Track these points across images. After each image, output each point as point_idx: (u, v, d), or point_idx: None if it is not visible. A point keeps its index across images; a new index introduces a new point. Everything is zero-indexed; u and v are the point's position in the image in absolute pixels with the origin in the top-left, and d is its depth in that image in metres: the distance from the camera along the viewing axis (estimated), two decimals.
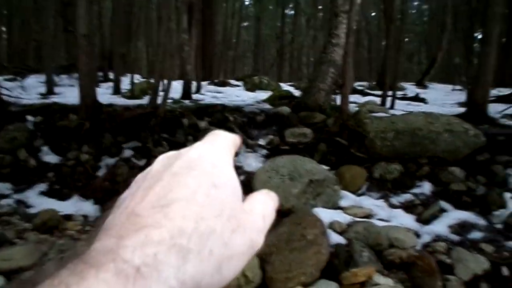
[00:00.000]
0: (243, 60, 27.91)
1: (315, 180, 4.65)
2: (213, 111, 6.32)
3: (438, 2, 19.03)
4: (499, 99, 10.39)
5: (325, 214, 4.34)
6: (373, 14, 22.32)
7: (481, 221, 4.80)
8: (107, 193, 5.29)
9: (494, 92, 12.34)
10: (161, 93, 6.40)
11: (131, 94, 8.17)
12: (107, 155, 5.84)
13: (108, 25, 12.10)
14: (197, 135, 5.87)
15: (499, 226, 4.75)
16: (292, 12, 21.58)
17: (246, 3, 24.87)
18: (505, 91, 11.64)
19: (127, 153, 5.81)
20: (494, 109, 8.68)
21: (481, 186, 5.34)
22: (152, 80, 7.45)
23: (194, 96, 8.04)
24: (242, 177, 5.26)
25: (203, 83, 9.51)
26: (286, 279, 3.65)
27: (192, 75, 8.60)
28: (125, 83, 9.12)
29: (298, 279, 3.62)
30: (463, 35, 12.35)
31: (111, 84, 9.18)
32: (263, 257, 3.83)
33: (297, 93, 7.99)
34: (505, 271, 4.12)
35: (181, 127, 5.97)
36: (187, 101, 7.37)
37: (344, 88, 5.39)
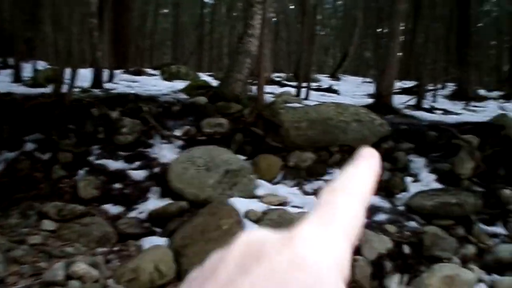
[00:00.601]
0: (162, 49, 27.09)
1: (231, 170, 4.66)
2: (126, 101, 6.03)
3: None
4: (404, 91, 11.24)
5: (241, 204, 4.38)
6: (291, 7, 22.87)
7: (386, 204, 5.16)
8: (6, 190, 4.82)
9: (400, 84, 13.34)
10: (69, 81, 5.96)
11: (34, 82, 7.50)
12: (5, 148, 5.32)
13: (8, 7, 10.98)
14: (108, 126, 5.57)
15: (401, 208, 5.14)
16: (212, 0, 21.36)
17: None
18: (409, 84, 12.63)
19: (29, 146, 5.34)
20: (399, 100, 9.38)
21: (386, 171, 5.73)
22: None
23: (106, 85, 7.61)
24: (156, 169, 5.11)
25: (117, 71, 9.04)
26: None
27: (104, 63, 8.12)
28: (28, 70, 8.36)
29: None
30: (372, 30, 13.14)
31: (11, 71, 8.34)
32: (177, 250, 3.76)
33: (215, 83, 7.92)
34: (406, 249, 4.48)
35: (90, 118, 5.62)
36: (97, 90, 6.95)
37: (260, 79, 5.44)
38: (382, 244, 4.32)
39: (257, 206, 4.45)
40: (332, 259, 0.26)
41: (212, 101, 6.04)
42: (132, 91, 6.92)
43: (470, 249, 4.81)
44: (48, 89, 6.41)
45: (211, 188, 4.47)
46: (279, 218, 4.14)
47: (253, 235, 0.29)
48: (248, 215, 4.24)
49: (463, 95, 11.08)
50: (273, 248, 0.25)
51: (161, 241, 4.05)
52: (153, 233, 4.30)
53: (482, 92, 13.88)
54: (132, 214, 4.63)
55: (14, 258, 3.66)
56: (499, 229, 5.24)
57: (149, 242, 4.07)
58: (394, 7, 6.97)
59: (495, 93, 13.48)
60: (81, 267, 3.41)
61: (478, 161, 5.76)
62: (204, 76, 10.51)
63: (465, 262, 4.74)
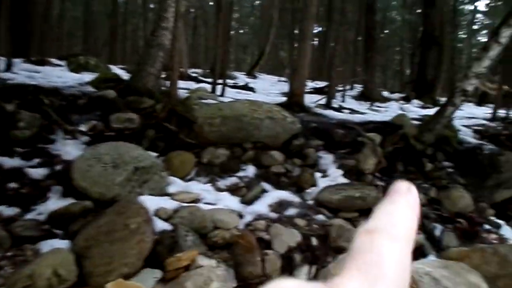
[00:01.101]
0: (73, 39, 25.35)
1: (141, 167, 4.48)
2: (24, 93, 5.51)
3: None
4: (315, 91, 11.76)
5: (151, 202, 4.23)
6: (210, 3, 22.73)
7: (296, 199, 5.33)
8: None
9: (312, 84, 13.92)
10: None
11: None
12: None
13: None
14: (2, 119, 5.04)
15: (310, 202, 5.35)
16: None
17: None
18: (321, 84, 13.23)
19: None
20: (311, 100, 9.77)
21: (296, 167, 5.93)
22: None
23: (2, 75, 6.90)
24: (58, 167, 4.74)
25: (16, 60, 8.24)
26: (106, 272, 3.43)
27: (0, 51, 7.35)
28: None
29: (119, 271, 3.44)
30: (287, 31, 13.54)
31: None
32: (80, 252, 3.52)
33: (127, 76, 7.58)
34: (314, 241, 4.67)
35: None
36: None
37: (173, 73, 5.30)
38: (291, 237, 4.45)
39: (169, 203, 4.34)
40: None
41: (123, 95, 5.76)
42: (33, 82, 6.35)
43: None
44: None
45: (119, 186, 4.26)
46: (190, 215, 4.07)
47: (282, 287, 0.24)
48: (158, 213, 4.11)
49: (368, 96, 11.88)
50: None
51: (62, 243, 3.76)
52: (53, 236, 3.98)
53: (385, 93, 15.02)
54: (30, 215, 4.24)
55: None
56: None
57: (48, 245, 3.76)
58: (306, 9, 7.23)
59: (397, 95, 14.66)
60: None
61: (380, 157, 6.20)
62: (116, 69, 10.02)
63: None
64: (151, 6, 17.87)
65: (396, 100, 13.43)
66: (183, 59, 9.90)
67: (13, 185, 4.54)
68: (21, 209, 4.30)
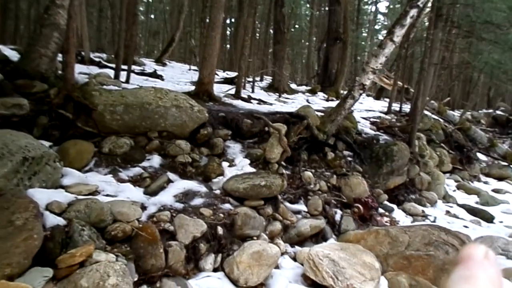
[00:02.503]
0: None
1: (30, 157, 4.07)
2: None
3: None
4: (225, 81, 11.76)
5: (42, 195, 3.88)
6: None
7: (203, 189, 5.28)
8: None
9: (224, 75, 13.90)
10: None
11: None
12: None
13: None
14: None
15: (217, 191, 5.34)
16: None
17: None
18: (232, 75, 13.26)
19: None
20: (221, 89, 9.75)
21: (204, 157, 5.88)
22: None
23: None
24: None
25: None
26: None
27: None
28: None
29: (2, 272, 3.10)
30: (198, 19, 13.32)
31: None
32: None
33: (17, 58, 6.84)
34: (220, 230, 4.67)
35: None
36: None
37: (68, 56, 4.89)
38: (197, 227, 4.41)
39: (63, 197, 4.02)
40: None
41: (10, 78, 5.18)
42: None
43: (277, 226, 5.32)
44: None
45: (4, 178, 3.83)
46: (86, 209, 3.81)
47: None
48: (50, 207, 3.78)
49: (277, 87, 12.20)
50: None
51: None
52: None
53: (293, 86, 15.57)
54: None
55: None
56: (301, 207, 5.94)
57: None
58: None
59: (304, 88, 15.29)
60: None
61: (285, 147, 6.40)
62: (6, 49, 9.01)
63: (272, 238, 5.23)
64: None
65: (303, 92, 14.00)
66: (85, 42, 9.23)
67: None
68: None
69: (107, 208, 3.90)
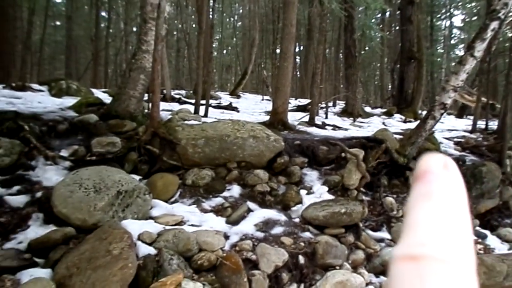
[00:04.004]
0: (54, 63, 25.24)
1: (123, 191, 4.42)
2: (3, 119, 5.43)
3: (249, 20, 20.75)
4: (298, 109, 11.86)
5: (135, 226, 4.17)
6: (193, 25, 22.94)
7: (283, 217, 5.31)
8: None
9: (296, 102, 14.04)
10: None
11: None
12: None
13: None
14: None
15: (297, 220, 5.33)
16: (105, 14, 20.52)
17: (56, 0, 22.57)
18: (304, 102, 13.36)
19: None
20: (294, 117, 9.84)
21: (282, 185, 5.93)
22: None
23: None
24: (39, 194, 4.65)
25: None
26: None
27: None
28: None
29: None
30: (269, 50, 13.71)
31: None
32: (61, 281, 3.43)
33: (109, 100, 7.55)
34: (301, 259, 4.64)
35: None
36: None
37: (154, 96, 5.30)
38: (278, 256, 4.42)
39: (152, 227, 4.28)
40: None
41: (104, 119, 5.72)
42: (13, 108, 6.27)
43: (359, 255, 5.15)
44: None
45: (101, 211, 4.19)
46: (174, 238, 4.01)
47: None
48: (142, 237, 4.04)
49: (351, 112, 12.03)
50: None
51: (43, 272, 3.66)
52: (34, 265, 3.87)
53: (367, 109, 15.24)
54: (9, 245, 4.12)
55: None
56: (384, 234, 5.71)
57: (28, 275, 3.66)
58: (285, 29, 7.36)
59: (379, 110, 14.89)
60: None
61: (364, 173, 6.25)
62: (99, 93, 9.98)
63: (355, 267, 5.06)
64: (134, 29, 17.98)
65: (378, 115, 13.64)
66: (166, 81, 9.92)
67: None
68: (1, 238, 4.18)
69: (193, 238, 4.08)
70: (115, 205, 4.34)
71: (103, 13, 20.57)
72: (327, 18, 10.76)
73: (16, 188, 4.76)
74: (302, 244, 4.83)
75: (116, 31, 20.15)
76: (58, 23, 23.52)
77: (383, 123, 11.59)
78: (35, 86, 9.73)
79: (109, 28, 19.22)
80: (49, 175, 4.92)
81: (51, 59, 23.86)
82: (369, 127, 10.30)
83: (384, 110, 14.83)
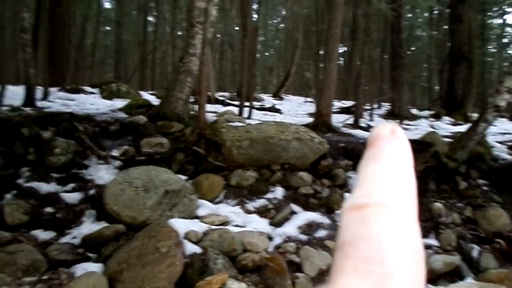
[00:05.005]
0: (104, 67, 26.36)
1: (171, 190, 4.55)
2: (59, 120, 5.75)
3: (292, 21, 20.72)
4: (342, 111, 11.70)
5: (181, 225, 4.27)
6: (236, 28, 23.22)
7: (326, 220, 5.26)
8: None
9: (339, 104, 13.88)
10: None
11: None
12: None
13: None
14: (39, 146, 5.27)
15: (338, 223, 5.27)
16: (152, 19, 21.16)
17: (106, 6, 23.58)
18: (348, 104, 13.17)
19: None
20: (338, 119, 9.73)
21: (326, 188, 5.88)
22: None
23: (40, 103, 7.23)
24: (92, 191, 4.88)
25: (52, 89, 8.63)
26: None
27: (38, 80, 7.72)
28: None
29: None
30: (312, 52, 13.63)
31: None
32: (112, 275, 3.58)
33: (157, 102, 7.80)
34: None
35: (20, 138, 5.28)
36: (28, 109, 6.57)
37: (200, 98, 5.42)
38: (322, 260, 4.38)
39: (198, 226, 4.37)
40: None
41: (152, 120, 5.92)
42: (68, 110, 6.62)
43: None
44: None
45: (150, 209, 4.33)
46: (219, 238, 4.08)
47: None
48: (188, 236, 4.14)
49: (397, 114, 11.72)
50: None
51: (95, 267, 3.84)
52: (87, 259, 4.06)
53: (414, 111, 14.78)
54: (65, 239, 4.36)
55: None
56: (431, 241, 5.52)
57: (82, 269, 3.84)
58: (330, 30, 7.29)
59: (426, 112, 14.40)
60: None
61: None
62: (146, 95, 10.32)
63: None
64: (179, 33, 18.43)
65: (426, 117, 13.19)
66: (210, 83, 10.11)
67: (49, 209, 4.70)
68: (57, 233, 4.43)
69: (238, 238, 4.13)
70: (163, 204, 4.47)
71: (150, 18, 21.25)
72: (373, 18, 10.56)
73: (71, 185, 5.02)
74: None
75: (162, 35, 20.75)
76: (108, 28, 24.55)
77: (431, 126, 11.20)
78: (88, 88, 10.22)
79: (157, 32, 19.82)
80: (101, 173, 5.15)
81: (101, 62, 24.93)
82: (416, 130, 9.98)
83: (432, 112, 14.31)
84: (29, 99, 7.06)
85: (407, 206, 0.20)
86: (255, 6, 11.21)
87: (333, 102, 9.66)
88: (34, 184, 4.94)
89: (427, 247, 5.42)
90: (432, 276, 5.09)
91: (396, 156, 0.21)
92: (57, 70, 10.15)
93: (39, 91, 7.80)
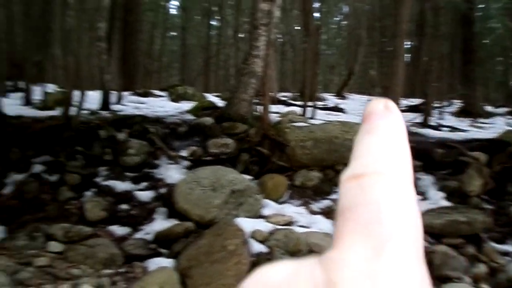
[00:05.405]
0: (170, 71, 27.48)
1: (237, 190, 4.66)
2: (132, 122, 6.11)
3: (355, 19, 20.28)
4: (410, 109, 11.24)
5: (247, 224, 4.36)
6: (297, 28, 23.16)
7: None
8: (14, 212, 4.86)
9: (406, 102, 13.35)
10: (77, 104, 6.08)
11: (44, 105, 7.64)
12: (14, 171, 5.38)
13: (21, 31, 11.27)
14: (115, 147, 5.63)
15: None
16: (216, 23, 21.72)
17: (172, 12, 24.61)
18: (415, 102, 12.64)
19: (37, 168, 5.40)
20: (405, 118, 9.33)
21: None
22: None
23: (114, 107, 7.72)
24: (162, 190, 5.12)
25: (125, 93, 9.17)
26: None
27: (112, 85, 8.25)
28: (38, 93, 8.52)
29: None
30: (376, 49, 13.24)
31: (21, 94, 8.51)
32: (183, 271, 3.74)
33: (221, 103, 8.00)
34: None
35: (98, 140, 5.68)
36: (105, 112, 7.05)
37: (264, 99, 5.50)
38: None
39: (263, 226, 4.43)
40: None
41: (218, 121, 6.10)
42: (139, 113, 7.00)
43: (481, 268, 4.72)
44: (57, 112, 6.53)
45: (217, 208, 4.47)
46: (285, 238, 4.11)
47: (267, 279, 0.19)
48: (254, 235, 4.21)
49: (469, 111, 11.05)
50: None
51: (167, 262, 4.04)
52: (159, 255, 4.28)
53: (489, 108, 13.83)
54: (139, 235, 4.63)
55: (21, 281, 3.66)
56: (510, 248, 5.15)
57: (155, 263, 4.06)
58: (397, 26, 7.04)
59: (502, 109, 13.41)
60: None
61: (487, 178, 5.71)
62: (211, 97, 10.62)
63: (476, 281, 4.65)
64: (241, 35, 18.77)
65: (502, 114, 12.28)
66: (273, 84, 10.18)
67: (124, 206, 5.02)
68: (132, 229, 4.71)
69: (303, 239, 4.13)
70: (229, 203, 4.59)
71: (213, 22, 21.83)
72: (442, 12, 10.04)
73: (143, 184, 5.32)
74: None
75: (225, 38, 21.24)
76: (174, 33, 25.59)
77: (508, 124, 10.42)
78: (156, 92, 10.73)
79: (220, 35, 20.32)
80: (171, 173, 5.39)
81: (167, 67, 26.02)
82: (492, 128, 9.34)
83: (509, 109, 13.29)
84: (105, 103, 7.56)
85: (403, 174, 0.20)
86: (316, 5, 11.11)
87: (400, 100, 9.31)
88: (111, 183, 5.30)
89: (506, 253, 5.06)
90: (511, 285, 4.75)
91: (390, 130, 0.22)
92: (128, 75, 10.78)
93: (113, 95, 8.31)
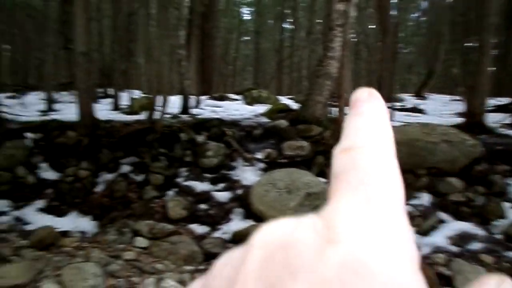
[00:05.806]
0: (244, 74, 28.10)
1: (312, 192, 4.64)
2: (210, 126, 6.35)
3: (435, 14, 19.22)
4: (498, 109, 10.40)
5: None
6: (372, 26, 22.49)
7: (481, 232, 4.77)
8: (105, 209, 5.30)
9: (493, 102, 12.36)
10: (161, 109, 6.47)
11: (130, 110, 8.23)
12: (105, 171, 5.86)
13: (109, 42, 12.24)
14: (195, 149, 5.90)
15: (499, 236, 4.72)
16: (289, 25, 21.79)
17: (246, 18, 25.18)
18: (504, 101, 11.66)
19: (125, 168, 5.83)
20: (493, 119, 8.67)
21: (480, 196, 5.31)
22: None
23: (193, 111, 8.09)
24: (239, 191, 5.26)
25: (203, 97, 9.57)
26: None
27: (191, 90, 8.64)
28: (125, 99, 9.19)
29: None
30: (459, 45, 12.41)
31: (111, 100, 9.26)
32: None
33: (295, 106, 8.03)
34: None
35: (179, 142, 5.99)
36: (185, 116, 7.41)
37: (340, 101, 5.41)
38: (477, 276, 3.96)
39: None
40: (402, 253, 0.18)
41: (293, 124, 6.13)
42: (216, 116, 7.26)
43: None
44: (142, 116, 7.00)
45: (292, 211, 4.49)
46: None
47: (274, 231, 0.20)
48: None
49: None
50: (310, 250, 0.18)
51: None
52: None
53: None
54: (217, 234, 4.80)
55: (111, 272, 3.98)
56: None
57: None
58: (484, 20, 6.56)
59: None
60: (170, 283, 3.61)
61: None
62: (285, 100, 10.68)
63: None
64: (314, 37, 18.66)
65: None
66: (348, 85, 9.98)
67: (203, 206, 5.23)
68: (210, 228, 4.90)
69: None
70: (304, 206, 4.59)
71: (286, 25, 21.94)
72: None
73: (221, 185, 5.51)
74: (507, 264, 4.24)
75: (298, 41, 21.25)
76: (247, 38, 26.15)
77: None
78: (231, 95, 11.04)
79: (293, 38, 20.38)
80: (247, 175, 5.52)
81: (241, 70, 26.65)
82: None
83: None
84: (185, 107, 7.95)
85: (386, 147, 0.23)
86: (393, 1, 10.71)
87: (487, 99, 8.65)
88: (191, 183, 5.56)
89: None
90: None
91: (374, 112, 0.24)
92: (206, 80, 11.21)
93: (192, 99, 8.71)
